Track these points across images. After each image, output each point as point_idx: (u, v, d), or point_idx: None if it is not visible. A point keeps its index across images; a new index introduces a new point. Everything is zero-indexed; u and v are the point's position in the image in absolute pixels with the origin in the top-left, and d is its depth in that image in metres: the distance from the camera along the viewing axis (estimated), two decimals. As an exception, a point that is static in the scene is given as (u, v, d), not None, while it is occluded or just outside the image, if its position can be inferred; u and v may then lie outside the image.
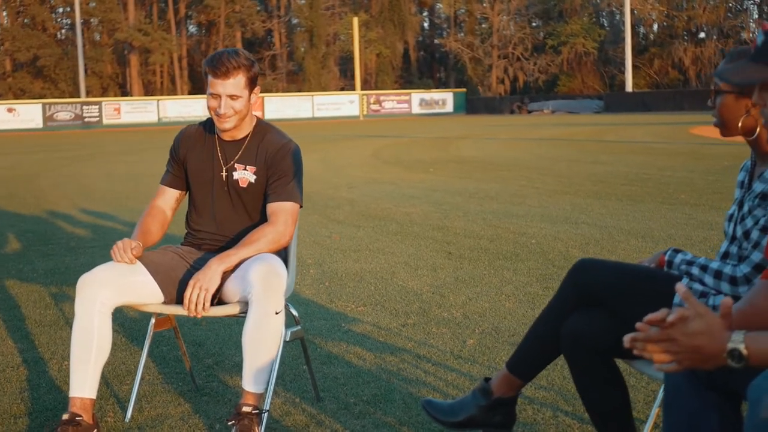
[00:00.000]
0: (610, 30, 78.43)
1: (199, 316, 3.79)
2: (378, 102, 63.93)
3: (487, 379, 3.28)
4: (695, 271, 2.95)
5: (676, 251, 3.07)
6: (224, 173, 4.11)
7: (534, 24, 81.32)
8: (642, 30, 78.97)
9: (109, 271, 3.82)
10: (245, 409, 3.71)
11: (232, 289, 3.87)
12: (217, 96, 3.98)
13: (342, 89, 75.14)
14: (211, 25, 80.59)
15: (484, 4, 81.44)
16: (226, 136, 4.13)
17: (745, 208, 2.90)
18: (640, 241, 8.25)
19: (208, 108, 4.03)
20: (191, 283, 3.79)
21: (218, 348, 5.21)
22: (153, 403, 4.30)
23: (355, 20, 64.75)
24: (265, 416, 3.76)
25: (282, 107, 60.29)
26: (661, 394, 3.49)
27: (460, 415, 3.25)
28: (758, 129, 2.89)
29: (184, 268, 4.03)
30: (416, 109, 65.51)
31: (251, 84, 4.03)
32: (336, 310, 6.06)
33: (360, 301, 6.29)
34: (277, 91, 72.04)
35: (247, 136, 4.13)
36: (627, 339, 2.12)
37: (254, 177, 4.08)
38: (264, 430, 3.72)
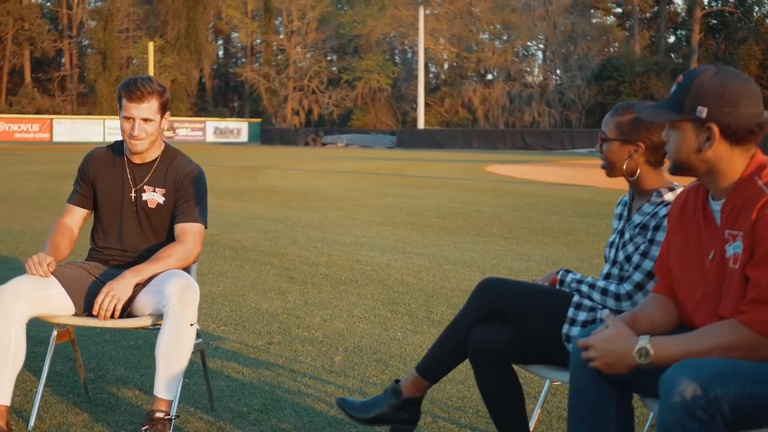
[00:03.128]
0: (404, 68, 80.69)
1: (107, 321, 4.02)
2: (172, 129, 63.44)
3: (397, 381, 3.70)
4: (584, 288, 3.46)
5: (567, 271, 3.59)
6: (133, 194, 4.37)
7: (329, 58, 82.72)
8: (434, 69, 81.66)
9: (25, 283, 4.01)
10: (158, 414, 3.96)
11: (144, 302, 4.12)
12: (131, 119, 4.26)
13: (135, 114, 73.85)
14: (-3, 41, 77.78)
15: (281, 36, 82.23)
16: (136, 159, 4.39)
17: (627, 236, 3.45)
18: (468, 270, 8.86)
19: (122, 130, 4.30)
20: (104, 290, 4.03)
21: (95, 363, 5.38)
22: (51, 412, 4.46)
23: (151, 45, 63.77)
24: (173, 422, 4.04)
25: (72, 130, 58.98)
26: (543, 395, 4.03)
27: (372, 412, 3.65)
28: (638, 171, 3.44)
29: (93, 282, 4.25)
30: (211, 137, 65.45)
31: (163, 109, 4.33)
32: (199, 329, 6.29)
33: (219, 321, 6.56)
34: (66, 113, 70.14)
35: (156, 159, 4.41)
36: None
37: (163, 199, 4.36)
38: (171, 436, 3.98)
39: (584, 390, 3.00)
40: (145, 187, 4.37)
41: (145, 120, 4.27)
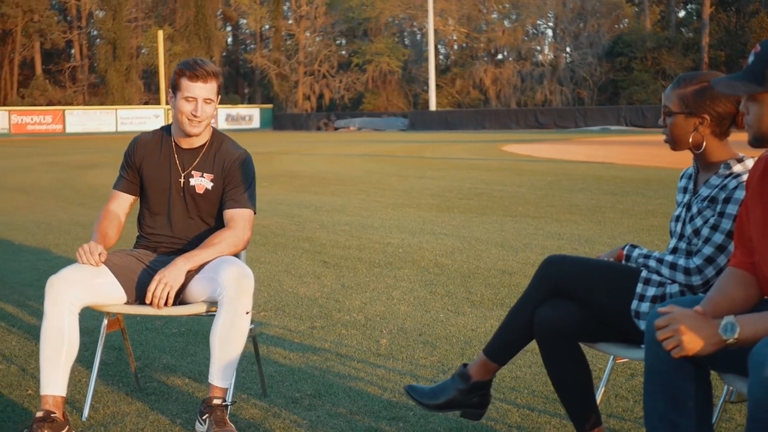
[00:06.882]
0: (413, 49, 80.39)
1: (161, 309, 3.97)
2: (184, 117, 63.19)
3: (464, 365, 3.63)
4: (652, 263, 3.39)
5: (634, 246, 3.52)
6: (182, 179, 4.31)
7: (339, 42, 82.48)
8: (444, 50, 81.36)
9: (76, 272, 3.96)
10: (216, 401, 3.92)
11: (197, 290, 4.07)
12: (192, 99, 4.18)
13: (146, 103, 73.92)
14: (6, 34, 77.67)
15: (290, 21, 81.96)
16: (184, 144, 4.33)
17: (694, 210, 3.37)
18: (500, 249, 8.79)
19: (181, 112, 4.21)
20: (156, 278, 3.98)
21: (140, 352, 5.34)
22: (103, 402, 4.42)
23: (160, 33, 63.80)
24: (229, 408, 4.00)
25: (84, 120, 59.05)
26: (607, 373, 3.97)
27: (441, 398, 3.59)
28: (704, 143, 3.36)
29: (143, 270, 4.20)
30: (223, 124, 65.32)
31: (219, 92, 4.28)
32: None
33: (259, 307, 6.52)
34: (78, 104, 70.21)
35: (204, 144, 4.34)
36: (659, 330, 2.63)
37: (211, 184, 4.30)
38: (227, 423, 3.94)
39: (661, 367, 2.93)
40: (193, 172, 4.31)
41: (206, 100, 4.21)
